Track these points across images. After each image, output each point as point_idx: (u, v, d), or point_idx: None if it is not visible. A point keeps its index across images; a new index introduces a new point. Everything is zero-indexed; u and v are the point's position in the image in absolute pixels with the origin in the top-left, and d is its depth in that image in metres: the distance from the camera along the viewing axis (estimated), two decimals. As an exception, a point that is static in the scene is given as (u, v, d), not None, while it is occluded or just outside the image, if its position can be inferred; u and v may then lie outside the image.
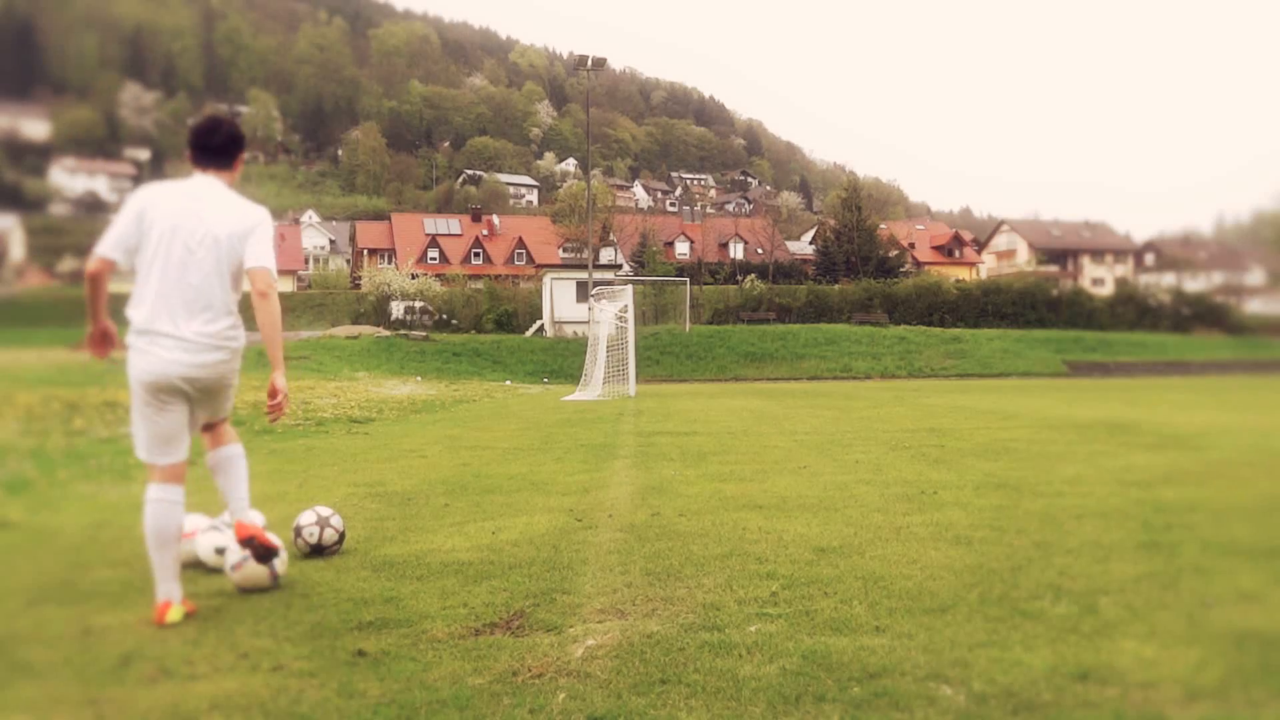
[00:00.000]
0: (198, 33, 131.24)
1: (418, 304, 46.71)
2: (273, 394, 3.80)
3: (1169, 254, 61.59)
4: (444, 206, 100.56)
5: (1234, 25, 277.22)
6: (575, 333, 41.18)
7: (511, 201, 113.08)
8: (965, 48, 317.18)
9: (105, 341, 3.75)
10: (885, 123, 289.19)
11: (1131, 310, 50.82)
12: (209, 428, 3.93)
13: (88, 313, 3.70)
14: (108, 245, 3.64)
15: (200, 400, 3.76)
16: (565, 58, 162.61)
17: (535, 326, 45.46)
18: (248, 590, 4.09)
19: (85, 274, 3.63)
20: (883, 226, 70.22)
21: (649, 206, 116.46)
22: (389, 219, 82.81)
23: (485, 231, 78.55)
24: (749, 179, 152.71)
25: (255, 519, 4.66)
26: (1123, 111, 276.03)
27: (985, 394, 22.26)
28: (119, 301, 3.72)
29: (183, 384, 3.66)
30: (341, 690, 2.84)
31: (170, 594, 3.64)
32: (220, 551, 4.42)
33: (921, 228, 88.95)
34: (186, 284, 3.64)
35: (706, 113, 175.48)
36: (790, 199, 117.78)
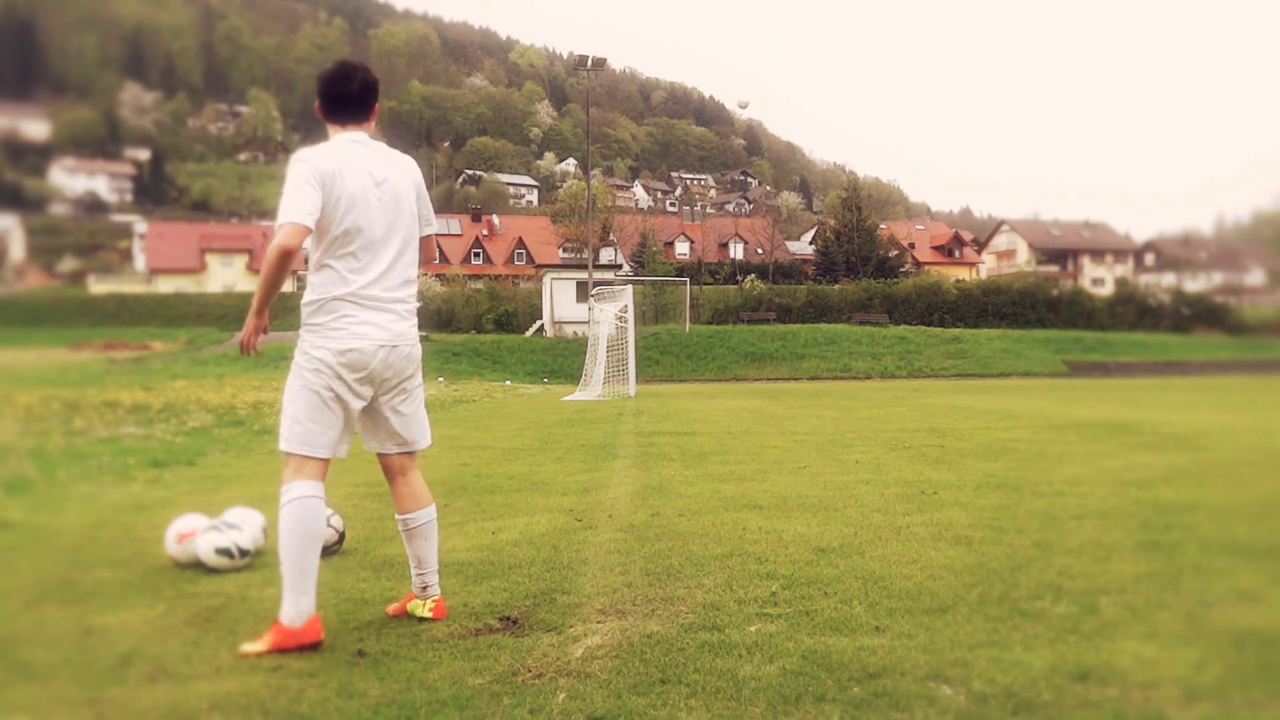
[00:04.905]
0: (198, 33, 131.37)
1: None
2: None
3: (1169, 254, 61.75)
4: (444, 206, 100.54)
5: (1234, 25, 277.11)
6: (575, 333, 41.19)
7: (511, 201, 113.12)
8: (965, 48, 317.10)
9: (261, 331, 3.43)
10: (885, 123, 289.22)
11: (1131, 310, 50.87)
12: (402, 470, 3.57)
13: (264, 297, 3.28)
14: (304, 213, 3.19)
15: (396, 388, 3.45)
16: (565, 58, 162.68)
17: (535, 326, 45.48)
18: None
19: (279, 250, 3.15)
20: (883, 226, 70.27)
21: (649, 206, 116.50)
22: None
23: (485, 231, 78.57)
24: (749, 179, 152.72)
25: (256, 520, 4.67)
26: (1123, 112, 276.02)
27: (985, 394, 22.26)
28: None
29: (380, 362, 3.33)
30: (341, 690, 2.84)
31: (312, 605, 3.28)
32: (221, 551, 4.42)
33: (921, 228, 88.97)
34: (405, 251, 3.43)
35: (706, 113, 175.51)
36: (790, 199, 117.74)
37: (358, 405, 3.38)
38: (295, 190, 3.22)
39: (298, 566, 3.24)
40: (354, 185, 3.31)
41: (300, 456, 3.31)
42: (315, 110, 3.51)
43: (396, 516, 3.64)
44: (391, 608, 3.67)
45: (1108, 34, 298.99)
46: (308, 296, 3.35)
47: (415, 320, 3.52)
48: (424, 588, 3.60)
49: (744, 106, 40.98)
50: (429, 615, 3.56)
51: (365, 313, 3.32)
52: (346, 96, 3.45)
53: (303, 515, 3.25)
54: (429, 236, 3.62)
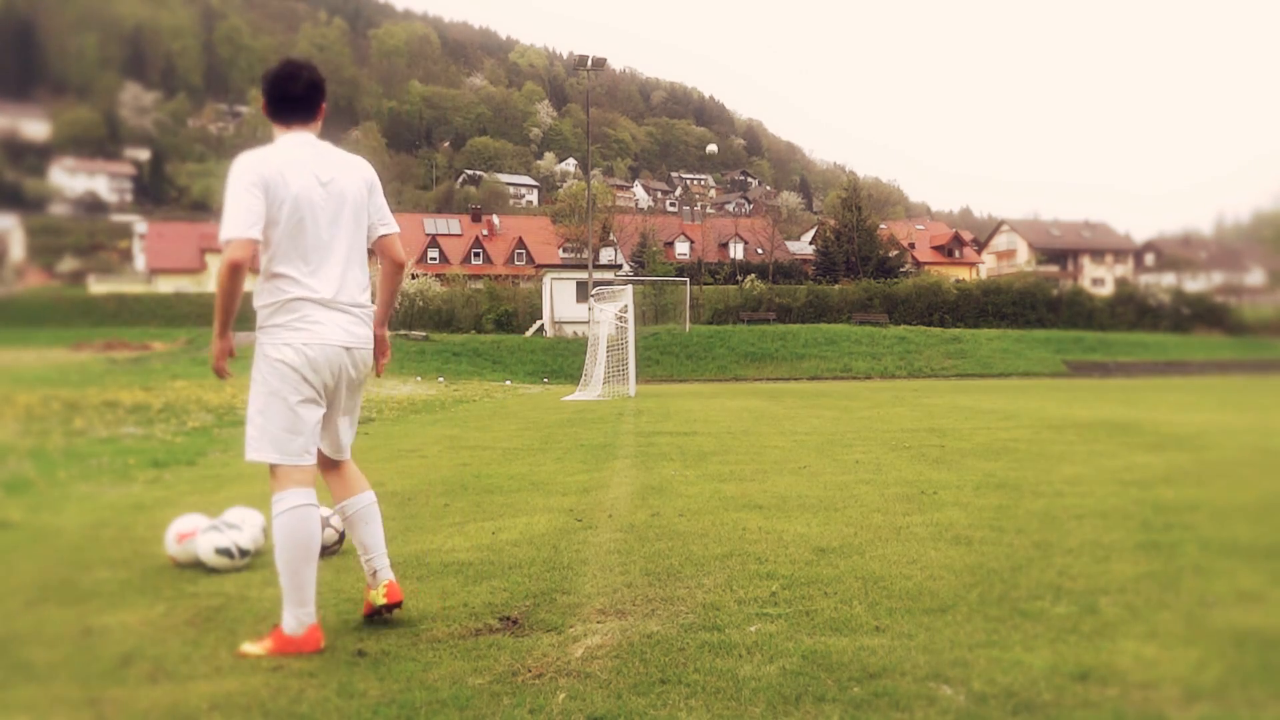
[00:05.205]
0: (198, 33, 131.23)
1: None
2: (384, 346, 3.61)
3: (1169, 254, 61.79)
4: (444, 206, 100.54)
5: (1234, 25, 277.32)
6: (575, 333, 41.19)
7: (511, 201, 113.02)
8: (965, 48, 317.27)
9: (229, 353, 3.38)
10: (885, 123, 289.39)
11: (1131, 310, 50.85)
12: (335, 463, 3.55)
13: (224, 317, 3.22)
14: (247, 225, 3.15)
15: (348, 392, 3.45)
16: (565, 58, 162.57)
17: (535, 326, 45.46)
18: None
19: (229, 266, 3.12)
20: (883, 226, 70.22)
21: (649, 206, 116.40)
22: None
23: (485, 231, 78.53)
24: (749, 179, 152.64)
25: (256, 520, 4.67)
26: (1123, 111, 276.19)
27: (985, 394, 22.26)
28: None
29: (340, 364, 3.33)
30: (341, 690, 2.84)
31: (312, 615, 3.29)
32: (221, 551, 4.42)
33: (921, 228, 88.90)
34: (356, 252, 3.39)
35: (706, 113, 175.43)
36: (790, 199, 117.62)
37: (323, 405, 3.36)
38: (236, 200, 3.17)
39: (295, 579, 3.23)
40: (298, 187, 3.25)
41: (285, 466, 3.28)
42: (261, 110, 3.44)
43: (335, 505, 3.59)
44: (364, 608, 3.62)
45: (1108, 34, 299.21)
46: (263, 299, 3.29)
47: (370, 325, 3.48)
48: (374, 573, 3.52)
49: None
50: (385, 600, 3.49)
51: (325, 313, 3.28)
52: (292, 97, 3.37)
53: (296, 526, 3.24)
54: (389, 237, 3.53)
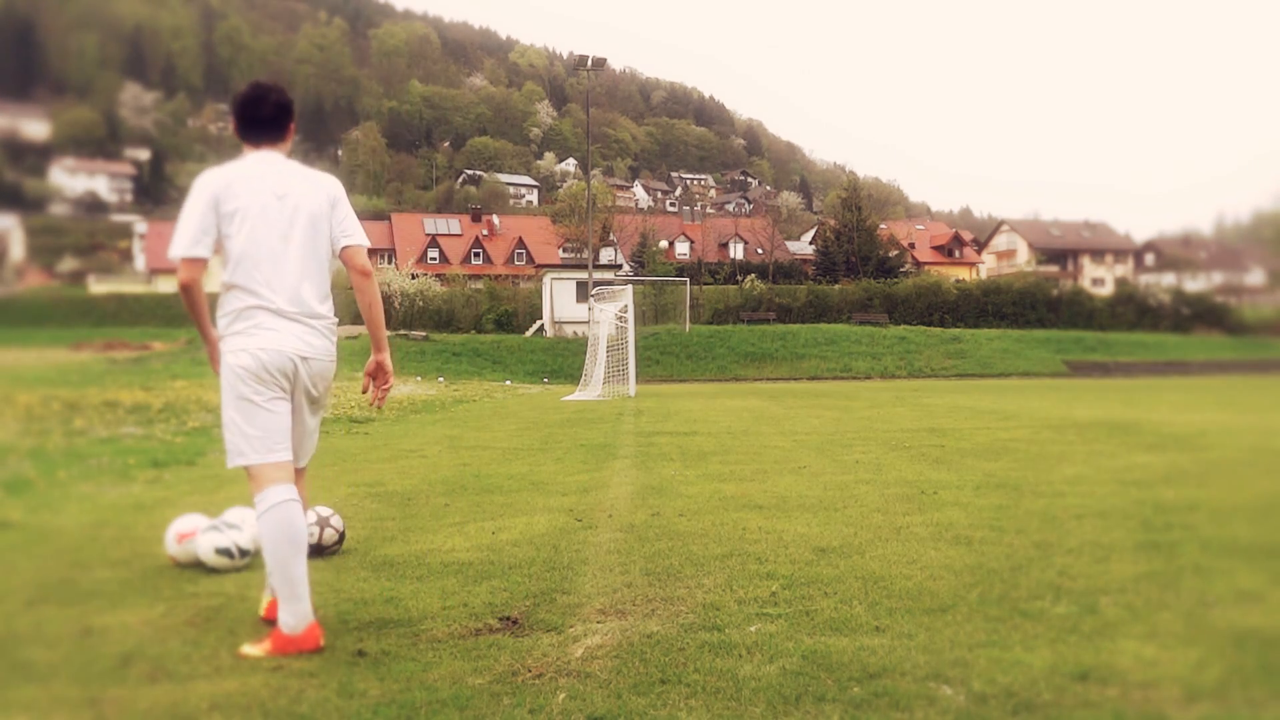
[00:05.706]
0: (198, 33, 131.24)
1: None
2: (384, 375, 3.63)
3: (1169, 254, 61.83)
4: (444, 206, 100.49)
5: (1234, 25, 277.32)
6: (575, 333, 41.20)
7: (511, 201, 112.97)
8: (964, 48, 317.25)
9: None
10: (885, 123, 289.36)
11: (1131, 310, 50.88)
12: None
13: (200, 326, 3.40)
14: (192, 243, 3.26)
15: (308, 404, 3.47)
16: (565, 58, 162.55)
17: (535, 326, 45.47)
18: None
19: (180, 288, 3.27)
20: (883, 226, 70.22)
21: (649, 206, 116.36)
22: (389, 219, 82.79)
23: (485, 231, 78.51)
24: (749, 179, 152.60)
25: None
26: (1123, 111, 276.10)
27: (985, 394, 22.26)
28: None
29: (296, 371, 3.35)
30: (341, 690, 2.84)
31: (310, 612, 3.28)
32: (221, 551, 4.42)
33: (921, 228, 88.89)
34: (313, 265, 3.42)
35: (706, 113, 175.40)
36: (790, 199, 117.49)
37: (289, 400, 3.37)
38: (187, 217, 3.27)
39: (286, 575, 3.23)
40: (250, 200, 3.31)
41: (260, 465, 3.30)
42: (233, 131, 3.51)
43: None
44: (264, 610, 3.58)
45: (1107, 33, 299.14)
46: (222, 309, 3.36)
47: (334, 339, 3.50)
48: (272, 588, 3.43)
49: None
50: (263, 615, 3.55)
51: (279, 321, 3.32)
52: (260, 119, 3.45)
53: (280, 523, 3.25)
54: (351, 248, 3.52)
